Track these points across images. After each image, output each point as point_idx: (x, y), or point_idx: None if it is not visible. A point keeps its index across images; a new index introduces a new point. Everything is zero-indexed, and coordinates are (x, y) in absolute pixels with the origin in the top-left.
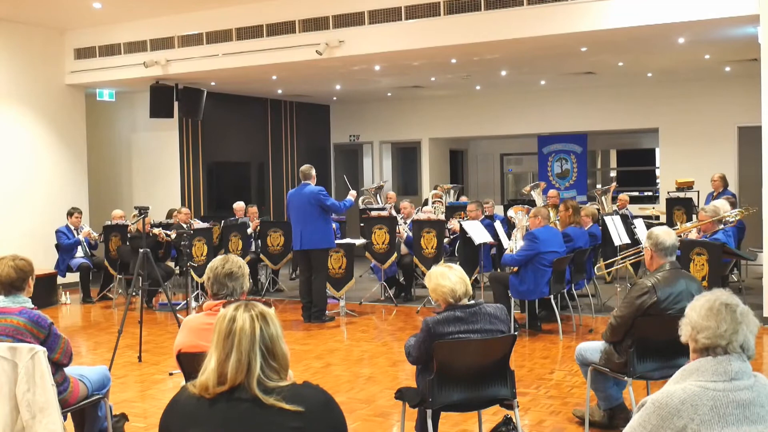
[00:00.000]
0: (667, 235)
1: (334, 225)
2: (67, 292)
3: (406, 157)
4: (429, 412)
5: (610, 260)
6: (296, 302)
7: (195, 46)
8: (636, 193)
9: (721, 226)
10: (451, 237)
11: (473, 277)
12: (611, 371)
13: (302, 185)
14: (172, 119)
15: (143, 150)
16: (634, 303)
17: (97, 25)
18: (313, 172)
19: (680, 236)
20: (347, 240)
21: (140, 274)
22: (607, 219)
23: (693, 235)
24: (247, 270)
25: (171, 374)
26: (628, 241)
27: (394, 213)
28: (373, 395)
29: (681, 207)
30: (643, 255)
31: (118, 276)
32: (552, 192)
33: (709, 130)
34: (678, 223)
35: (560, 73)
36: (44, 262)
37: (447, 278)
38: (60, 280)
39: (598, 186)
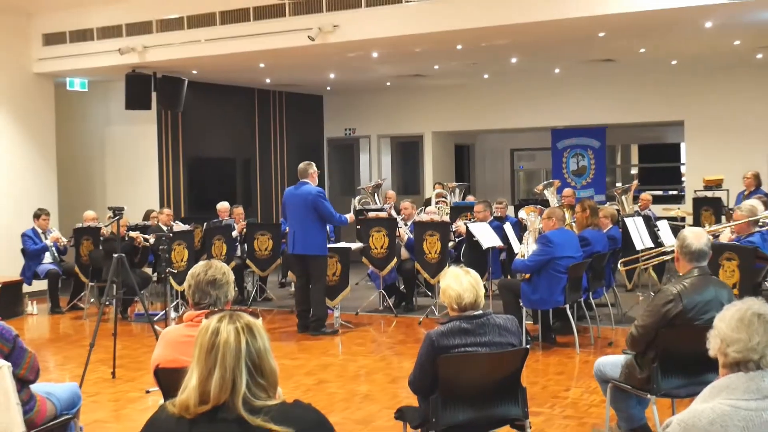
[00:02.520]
0: (696, 237)
1: (327, 227)
2: (34, 302)
3: (406, 152)
4: None
5: (632, 257)
6: (286, 312)
7: (175, 31)
8: (659, 192)
9: (757, 228)
10: (457, 240)
11: None
12: (633, 388)
13: (300, 183)
14: (150, 111)
15: (118, 145)
16: (658, 312)
17: (67, 8)
18: (312, 169)
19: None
20: (342, 244)
21: (114, 281)
22: (628, 221)
23: (725, 238)
24: (231, 277)
25: (148, 392)
26: (651, 245)
27: (393, 214)
28: (371, 415)
29: (709, 207)
30: (667, 258)
31: (90, 284)
32: (567, 191)
33: (740, 122)
34: (706, 225)
35: (576, 61)
36: (8, 268)
37: (458, 282)
38: (26, 288)
39: (618, 184)
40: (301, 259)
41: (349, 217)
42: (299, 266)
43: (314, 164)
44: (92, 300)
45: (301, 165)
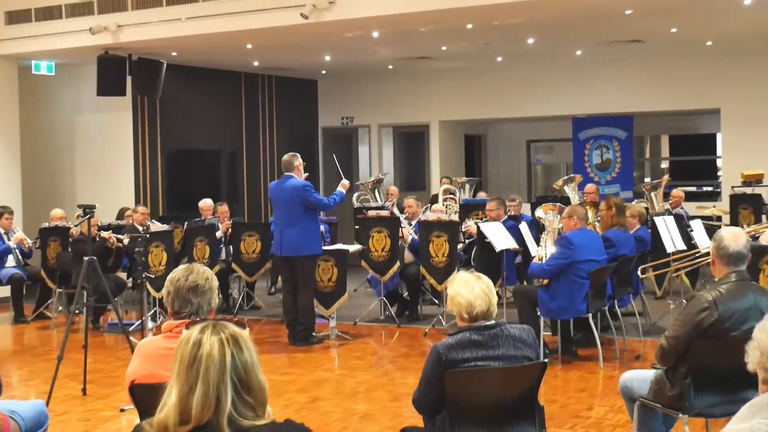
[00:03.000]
0: (734, 238)
1: (322, 227)
2: None
3: (411, 144)
4: None
5: (662, 260)
6: (276, 322)
7: (152, 9)
8: (693, 189)
9: None
10: (467, 242)
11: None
12: (663, 406)
13: (284, 178)
14: (125, 98)
15: (89, 136)
16: (690, 321)
17: None
18: (297, 161)
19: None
20: (339, 246)
21: (85, 287)
22: (658, 220)
23: (766, 239)
24: (215, 283)
25: (122, 410)
26: (684, 248)
27: (396, 212)
28: None
29: (748, 205)
30: (701, 261)
31: (58, 290)
32: (590, 187)
33: None
34: (744, 225)
35: (600, 42)
36: None
37: (469, 288)
38: None
39: (647, 180)
40: (289, 262)
41: (342, 185)
42: (287, 270)
43: (299, 156)
44: (60, 308)
45: (285, 157)
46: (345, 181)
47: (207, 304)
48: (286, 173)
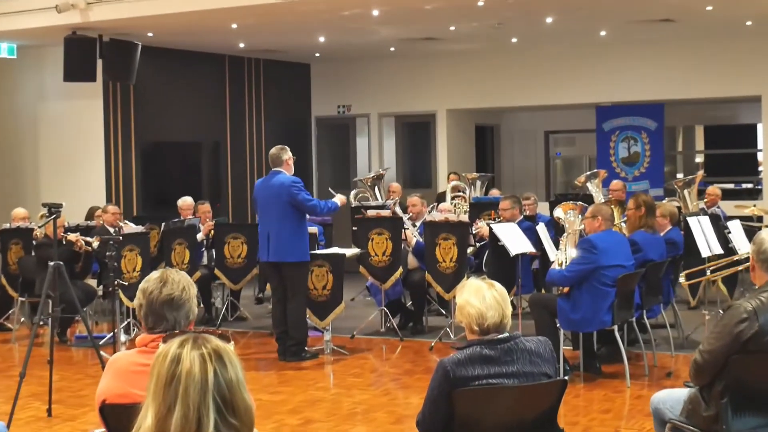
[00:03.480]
0: None
1: (315, 229)
2: None
3: (415, 135)
4: None
5: (697, 268)
6: (264, 335)
7: None
8: (731, 186)
9: None
10: (478, 245)
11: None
12: (697, 429)
13: (271, 174)
14: (95, 84)
15: (55, 126)
16: (728, 333)
17: None
18: (286, 155)
19: None
20: (334, 249)
21: (50, 295)
22: (691, 221)
23: None
24: (194, 291)
25: None
26: (720, 251)
27: (398, 212)
28: None
29: None
30: (740, 267)
31: (20, 299)
32: (616, 183)
33: None
34: None
35: (627, 21)
36: None
37: (480, 297)
38: None
39: (679, 176)
40: (278, 268)
41: (339, 198)
42: (276, 277)
43: (288, 149)
44: (23, 319)
45: (273, 150)
46: (342, 197)
47: (185, 318)
48: (274, 168)
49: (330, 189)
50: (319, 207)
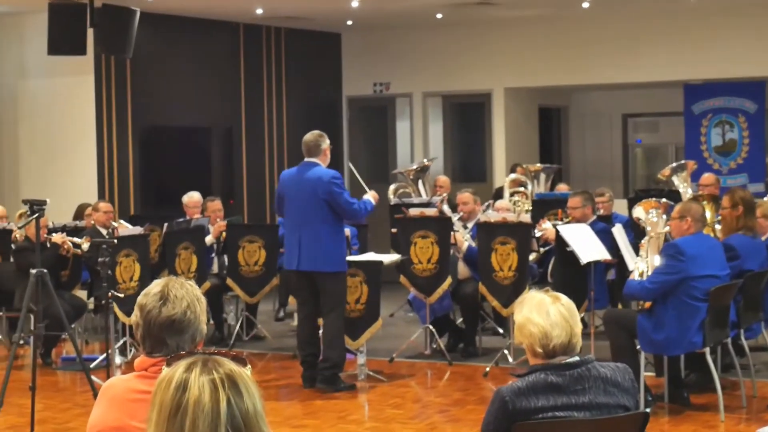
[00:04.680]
0: None
1: (348, 230)
2: None
3: (467, 119)
4: None
5: None
6: (286, 357)
7: None
8: None
9: None
10: (542, 251)
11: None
12: None
13: (305, 165)
14: (85, 57)
15: (37, 107)
16: None
17: None
18: (325, 144)
19: None
20: (369, 255)
21: (32, 309)
22: None
23: None
24: (202, 306)
25: None
26: None
27: (447, 211)
28: None
29: None
30: None
31: None
32: (708, 177)
33: None
34: None
35: None
36: None
37: (543, 313)
38: None
39: None
40: (309, 279)
41: (372, 195)
42: (306, 290)
43: (326, 136)
44: (0, 337)
45: (309, 137)
46: (374, 192)
47: (190, 340)
48: (308, 159)
49: (359, 179)
50: (360, 213)
